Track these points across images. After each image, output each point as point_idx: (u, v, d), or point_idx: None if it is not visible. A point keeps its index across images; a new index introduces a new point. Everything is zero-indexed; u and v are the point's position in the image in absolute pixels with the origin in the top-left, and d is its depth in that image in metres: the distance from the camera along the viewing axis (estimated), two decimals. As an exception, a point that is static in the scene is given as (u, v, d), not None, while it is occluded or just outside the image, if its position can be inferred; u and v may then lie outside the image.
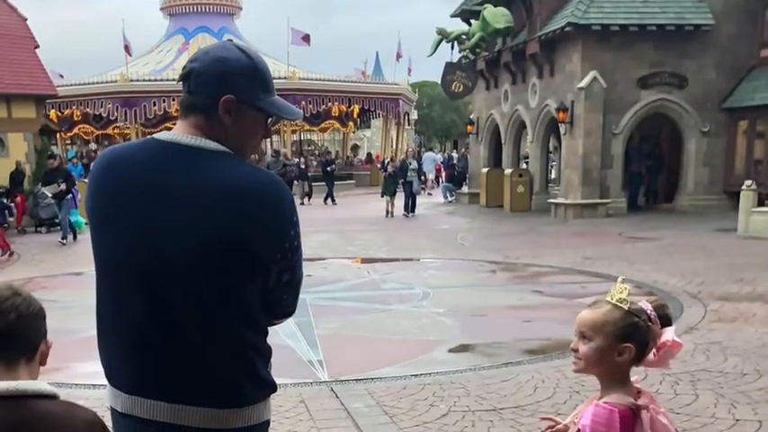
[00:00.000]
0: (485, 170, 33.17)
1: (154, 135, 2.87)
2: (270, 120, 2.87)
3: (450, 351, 9.93)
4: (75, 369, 8.99)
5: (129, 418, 2.75)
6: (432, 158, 47.28)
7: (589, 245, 19.44)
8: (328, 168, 38.48)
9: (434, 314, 12.01)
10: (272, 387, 2.86)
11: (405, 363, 9.21)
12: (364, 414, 7.28)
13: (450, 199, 36.90)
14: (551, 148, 35.14)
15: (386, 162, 34.63)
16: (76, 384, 8.37)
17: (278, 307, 2.88)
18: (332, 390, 8.11)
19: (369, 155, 58.60)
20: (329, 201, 36.75)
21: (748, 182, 21.08)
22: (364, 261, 18.27)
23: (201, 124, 2.73)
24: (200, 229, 2.60)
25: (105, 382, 2.89)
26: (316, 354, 9.57)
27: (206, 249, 2.61)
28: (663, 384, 7.79)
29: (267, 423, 2.91)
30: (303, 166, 39.19)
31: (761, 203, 21.13)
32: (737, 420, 6.90)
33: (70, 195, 23.18)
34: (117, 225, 2.71)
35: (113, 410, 2.83)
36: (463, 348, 10.07)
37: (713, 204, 26.48)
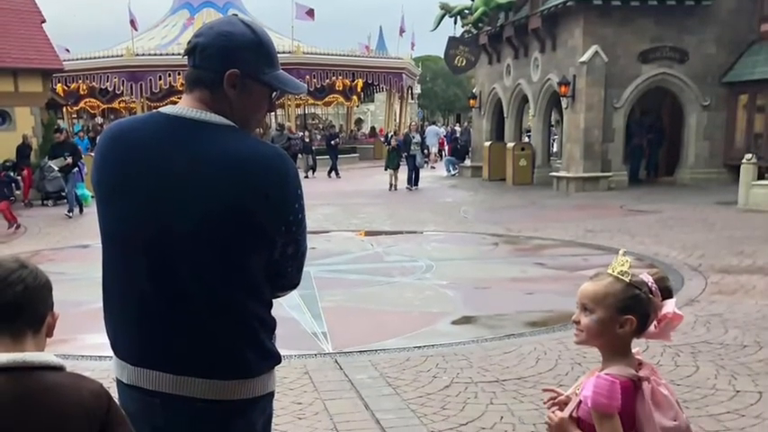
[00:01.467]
0: (487, 144, 33.14)
1: (159, 109, 2.85)
2: (274, 94, 2.85)
3: (453, 323, 9.92)
4: (82, 341, 8.97)
5: (135, 389, 2.75)
6: (435, 132, 47.11)
7: (591, 218, 19.43)
8: (332, 142, 38.49)
9: (437, 286, 11.97)
10: (276, 358, 2.85)
11: (408, 335, 9.20)
12: (368, 385, 7.28)
13: (452, 172, 36.91)
14: (553, 122, 35.00)
15: (389, 136, 34.58)
16: (83, 356, 8.36)
17: (282, 279, 2.87)
18: (336, 361, 8.10)
19: (372, 129, 58.54)
20: (333, 174, 36.74)
21: (748, 155, 21.06)
22: (368, 234, 18.26)
23: (207, 98, 2.72)
24: (206, 202, 2.59)
25: (111, 353, 2.89)
26: (320, 326, 9.57)
27: (211, 222, 2.60)
28: (664, 356, 7.78)
29: (272, 394, 2.92)
30: (307, 140, 39.14)
31: (761, 177, 21.10)
32: (738, 392, 6.88)
33: (76, 169, 23.16)
34: (123, 198, 2.70)
35: (119, 382, 2.83)
36: (466, 320, 10.06)
37: (713, 177, 26.55)
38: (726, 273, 12.25)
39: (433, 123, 61.43)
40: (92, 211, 22.08)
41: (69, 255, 16.05)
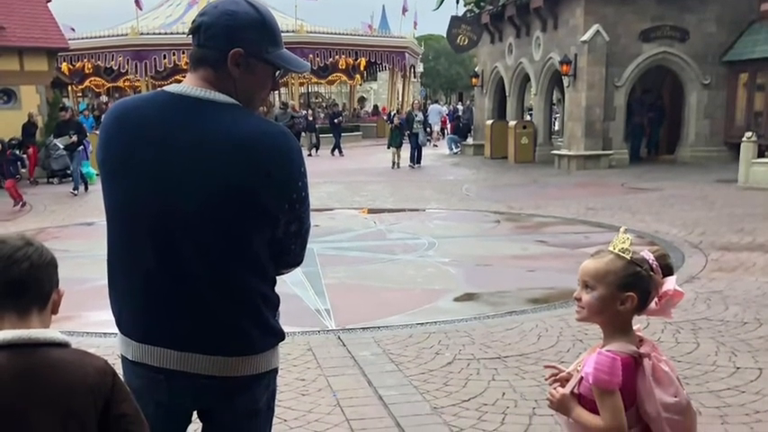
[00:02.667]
0: (489, 122, 33.01)
1: (164, 88, 2.85)
2: (278, 73, 2.84)
3: (456, 300, 9.91)
4: (87, 318, 8.96)
5: (140, 365, 2.77)
6: (437, 111, 47.03)
7: (592, 195, 19.39)
8: (335, 120, 38.43)
9: (439, 264, 11.96)
10: (280, 335, 2.87)
11: (411, 312, 9.18)
12: (371, 362, 7.27)
13: (455, 150, 36.82)
14: (554, 101, 34.96)
15: (392, 114, 34.47)
16: (88, 333, 8.35)
17: (286, 257, 2.87)
18: (339, 338, 8.09)
19: (375, 107, 58.39)
20: (336, 152, 36.67)
21: (748, 134, 20.98)
22: (371, 211, 18.22)
23: (211, 77, 2.72)
24: (210, 180, 2.59)
25: (116, 330, 2.90)
26: (323, 303, 9.55)
27: (215, 199, 2.60)
28: (664, 333, 7.76)
29: (275, 370, 2.94)
30: (311, 118, 39.07)
31: (761, 155, 21.05)
32: (738, 368, 6.86)
33: (81, 147, 23.13)
34: (128, 176, 2.70)
35: (124, 358, 2.85)
36: (468, 297, 10.04)
37: (714, 156, 26.51)
38: (726, 250, 12.20)
39: (436, 102, 61.23)
40: (97, 188, 22.31)
41: (74, 232, 16.03)
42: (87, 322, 8.84)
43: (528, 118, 33.25)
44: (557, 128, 37.88)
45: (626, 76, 26.51)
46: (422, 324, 8.58)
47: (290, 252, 2.87)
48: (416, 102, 37.10)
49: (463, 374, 6.89)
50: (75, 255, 12.75)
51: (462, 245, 13.73)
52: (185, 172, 2.61)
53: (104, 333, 8.06)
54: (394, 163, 28.71)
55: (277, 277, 2.90)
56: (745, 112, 26.73)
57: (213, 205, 2.61)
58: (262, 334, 2.78)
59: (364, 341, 7.96)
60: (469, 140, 37.13)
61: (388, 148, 29.34)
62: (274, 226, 2.74)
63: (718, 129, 27.11)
